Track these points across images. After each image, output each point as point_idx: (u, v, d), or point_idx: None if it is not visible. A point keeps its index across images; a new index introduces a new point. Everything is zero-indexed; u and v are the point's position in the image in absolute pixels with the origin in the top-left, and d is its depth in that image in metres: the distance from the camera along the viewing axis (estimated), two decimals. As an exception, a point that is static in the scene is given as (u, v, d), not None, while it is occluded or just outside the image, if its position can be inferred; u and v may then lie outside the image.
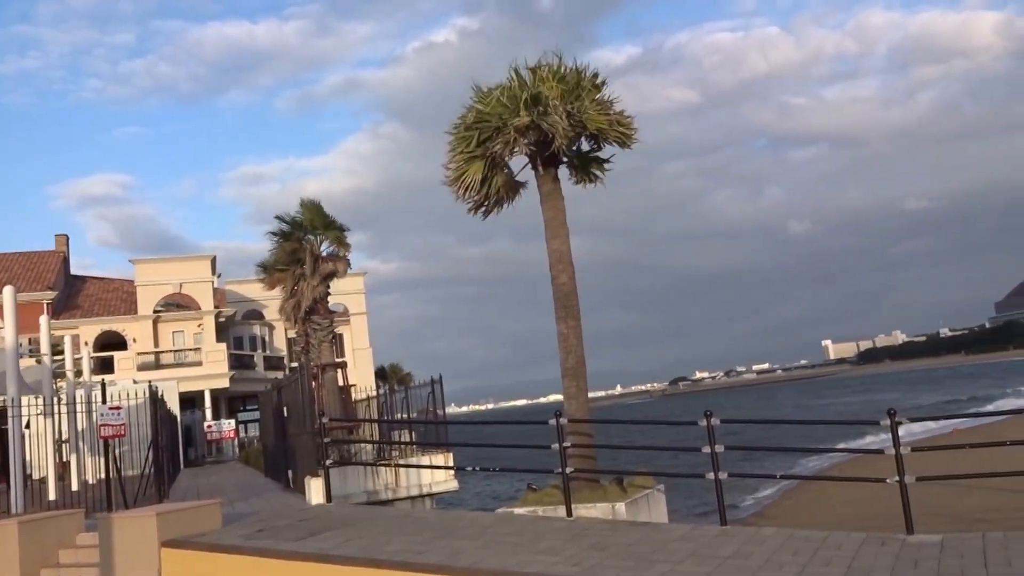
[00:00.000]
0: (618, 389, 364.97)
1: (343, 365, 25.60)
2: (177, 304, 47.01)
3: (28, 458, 17.89)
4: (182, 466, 31.25)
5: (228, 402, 47.66)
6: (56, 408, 19.22)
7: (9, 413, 14.18)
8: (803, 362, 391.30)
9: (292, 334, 39.18)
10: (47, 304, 42.76)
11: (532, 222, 13.81)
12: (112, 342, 44.13)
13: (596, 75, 13.23)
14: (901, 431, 9.09)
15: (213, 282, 46.34)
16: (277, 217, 24.76)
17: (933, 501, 16.78)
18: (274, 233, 24.75)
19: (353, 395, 24.22)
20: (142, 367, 41.47)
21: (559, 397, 13.88)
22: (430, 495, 18.16)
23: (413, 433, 19.26)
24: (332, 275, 24.51)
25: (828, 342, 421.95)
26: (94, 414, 17.54)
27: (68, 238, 51.56)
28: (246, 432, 45.14)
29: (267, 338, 50.06)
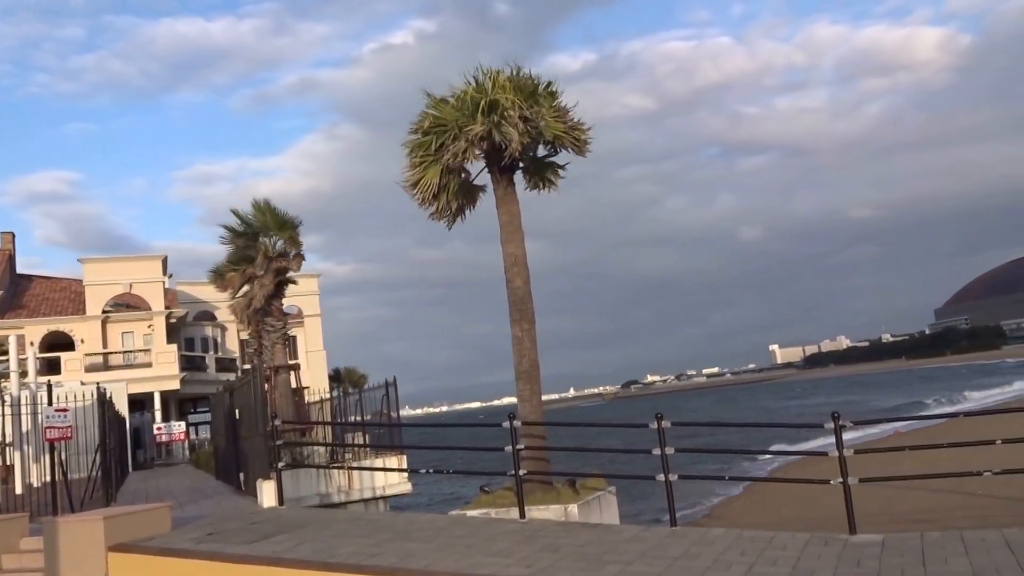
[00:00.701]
0: (571, 392, 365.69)
1: (296, 367, 25.50)
2: (127, 304, 46.19)
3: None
4: (131, 469, 30.71)
5: (179, 404, 47.00)
6: (0, 410, 18.81)
7: (-49, 415, 13.87)
8: (751, 366, 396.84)
9: (245, 336, 38.87)
10: (-9, 303, 41.80)
11: (489, 226, 13.90)
12: (59, 343, 43.19)
13: (550, 83, 13.41)
14: (848, 435, 9.34)
15: (164, 282, 45.59)
16: (232, 211, 24.55)
17: (875, 502, 17.22)
18: (227, 227, 24.51)
19: (307, 397, 24.10)
20: (90, 368, 40.70)
21: (513, 400, 13.96)
22: (384, 497, 18.17)
23: (367, 436, 19.24)
24: (285, 271, 24.31)
25: (775, 346, 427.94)
26: (39, 416, 17.18)
27: (14, 236, 50.35)
28: (197, 434, 44.60)
29: (219, 340, 49.44)
